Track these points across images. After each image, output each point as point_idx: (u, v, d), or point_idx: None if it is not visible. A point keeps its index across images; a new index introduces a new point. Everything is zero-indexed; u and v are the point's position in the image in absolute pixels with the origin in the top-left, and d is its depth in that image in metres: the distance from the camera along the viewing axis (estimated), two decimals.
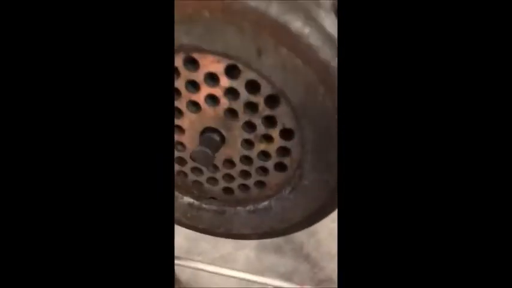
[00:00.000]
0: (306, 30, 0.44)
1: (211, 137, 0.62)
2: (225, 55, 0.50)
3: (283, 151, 0.62)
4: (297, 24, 0.44)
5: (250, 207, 0.72)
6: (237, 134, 0.62)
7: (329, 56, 0.46)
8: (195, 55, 0.53)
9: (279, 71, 0.49)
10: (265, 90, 0.55)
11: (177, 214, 0.77)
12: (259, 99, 0.56)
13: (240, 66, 0.52)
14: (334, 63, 0.46)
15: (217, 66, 0.54)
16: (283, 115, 0.57)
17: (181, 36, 0.48)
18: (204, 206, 0.76)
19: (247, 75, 0.53)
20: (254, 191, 0.71)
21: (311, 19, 0.45)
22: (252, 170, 0.67)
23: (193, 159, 0.62)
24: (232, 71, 0.54)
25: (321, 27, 0.45)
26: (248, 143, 0.64)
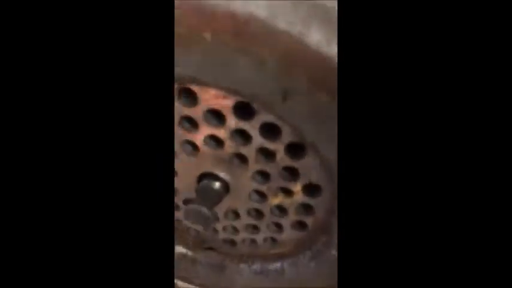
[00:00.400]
0: None
1: (210, 186, 0.48)
2: (234, 92, 0.36)
3: (305, 209, 0.48)
4: None
5: (256, 266, 0.58)
6: (245, 183, 0.48)
7: None
8: (193, 87, 0.38)
9: (312, 119, 0.34)
10: (287, 136, 0.40)
11: None
12: (278, 147, 0.42)
13: (256, 106, 0.37)
14: None
15: (223, 103, 0.39)
16: (310, 168, 0.42)
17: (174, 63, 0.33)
18: (199, 258, 0.62)
19: (264, 117, 0.39)
20: (262, 247, 0.57)
21: None
22: (262, 224, 0.53)
23: (187, 218, 0.47)
24: (243, 110, 0.39)
25: None
26: (259, 195, 0.49)
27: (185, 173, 0.50)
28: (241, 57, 0.30)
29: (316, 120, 0.34)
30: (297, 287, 0.54)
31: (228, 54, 0.31)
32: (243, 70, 0.32)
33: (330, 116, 0.32)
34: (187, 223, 0.58)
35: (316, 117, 0.34)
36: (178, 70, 0.34)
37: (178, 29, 0.29)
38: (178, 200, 0.55)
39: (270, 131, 0.41)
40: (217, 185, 0.49)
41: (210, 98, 0.39)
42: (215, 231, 0.58)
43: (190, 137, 0.45)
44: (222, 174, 0.48)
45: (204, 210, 0.45)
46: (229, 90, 0.36)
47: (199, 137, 0.45)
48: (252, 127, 0.41)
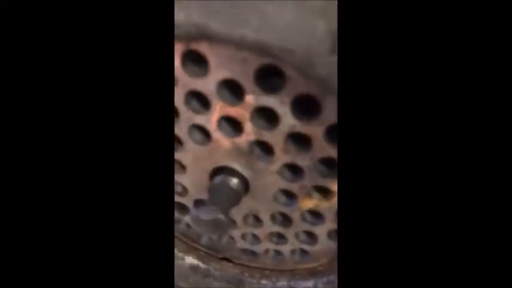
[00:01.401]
0: None
1: (225, 184, 0.39)
2: (258, 49, 0.25)
3: None
4: None
5: (282, 283, 0.48)
6: (270, 180, 0.38)
7: None
8: (203, 47, 0.28)
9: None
10: (330, 114, 0.30)
11: (175, 279, 0.54)
12: (315, 131, 0.32)
13: (288, 70, 0.27)
14: None
15: (243, 68, 0.29)
16: None
17: (177, 13, 0.23)
18: (213, 271, 0.52)
19: (300, 87, 0.28)
20: (290, 261, 0.47)
21: None
22: (289, 233, 0.44)
23: (196, 225, 0.37)
24: (269, 78, 0.29)
25: None
26: (287, 196, 0.39)
27: (195, 167, 0.41)
28: None
29: None
30: None
31: None
32: (272, 13, 0.21)
33: None
34: (197, 229, 0.49)
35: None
36: (180, 17, 0.24)
37: None
38: (187, 201, 0.46)
39: (306, 107, 0.30)
40: (234, 182, 0.39)
41: (224, 61, 0.29)
42: (232, 239, 0.49)
43: (200, 120, 0.35)
44: (240, 169, 0.39)
45: (218, 214, 0.35)
46: (251, 47, 0.26)
47: (211, 120, 0.35)
48: (280, 103, 0.30)
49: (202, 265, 0.53)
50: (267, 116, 0.33)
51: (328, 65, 0.26)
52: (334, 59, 0.25)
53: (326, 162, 0.35)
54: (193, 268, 0.53)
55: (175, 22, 0.26)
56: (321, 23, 0.24)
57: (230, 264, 0.53)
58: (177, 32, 0.28)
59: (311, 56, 0.26)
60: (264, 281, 0.50)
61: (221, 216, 0.36)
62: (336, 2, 0.24)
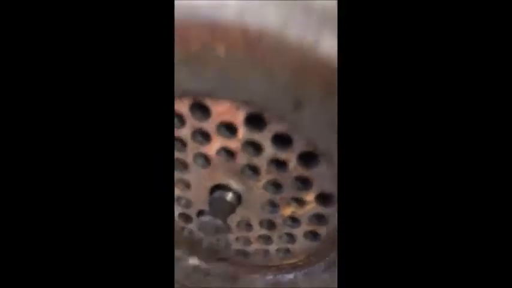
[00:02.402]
0: None
1: (222, 197, 0.48)
2: (246, 103, 0.36)
3: (318, 218, 0.48)
4: None
5: (269, 277, 0.58)
6: (257, 194, 0.48)
7: None
8: (206, 101, 0.39)
9: (324, 128, 0.35)
10: (299, 146, 0.41)
11: (179, 278, 0.63)
12: (289, 156, 0.42)
13: (267, 116, 0.38)
14: None
15: (236, 115, 0.39)
16: (322, 177, 0.43)
17: (187, 80, 0.34)
18: (212, 270, 0.61)
19: (276, 127, 0.39)
20: (275, 258, 0.57)
21: None
22: (274, 235, 0.53)
23: (201, 230, 0.47)
24: (255, 121, 0.40)
25: None
26: (271, 205, 0.49)
27: (198, 184, 0.50)
28: (254, 71, 0.31)
29: (329, 128, 0.35)
30: None
31: (241, 69, 0.31)
32: (256, 83, 0.32)
33: None
34: (199, 234, 0.59)
35: (329, 125, 0.34)
36: (192, 86, 0.35)
37: (192, 46, 0.30)
38: (191, 211, 0.56)
39: (281, 141, 0.41)
40: (229, 196, 0.49)
41: (223, 110, 0.39)
42: (228, 242, 0.58)
43: (203, 149, 0.46)
44: (234, 185, 0.48)
45: (218, 221, 0.45)
46: (242, 102, 0.36)
47: (211, 149, 0.45)
48: (263, 138, 0.41)
49: (203, 265, 0.61)
50: (254, 147, 0.44)
51: (293, 112, 0.36)
52: (299, 111, 0.35)
53: (300, 179, 0.45)
54: (196, 268, 0.62)
55: (188, 85, 0.36)
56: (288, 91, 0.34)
57: (226, 263, 0.61)
58: (186, 88, 0.38)
59: (281, 107, 0.36)
60: (254, 276, 0.58)
61: (220, 223, 0.46)
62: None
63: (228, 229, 0.47)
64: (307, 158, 0.42)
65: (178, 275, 0.63)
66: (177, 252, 0.62)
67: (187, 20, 0.29)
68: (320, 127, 0.35)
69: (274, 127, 0.39)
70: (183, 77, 0.34)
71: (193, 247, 0.61)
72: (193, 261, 0.62)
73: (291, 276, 0.55)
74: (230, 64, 0.31)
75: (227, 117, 0.40)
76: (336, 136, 0.35)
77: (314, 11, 0.29)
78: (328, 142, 0.37)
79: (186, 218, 0.57)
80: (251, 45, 0.29)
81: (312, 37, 0.28)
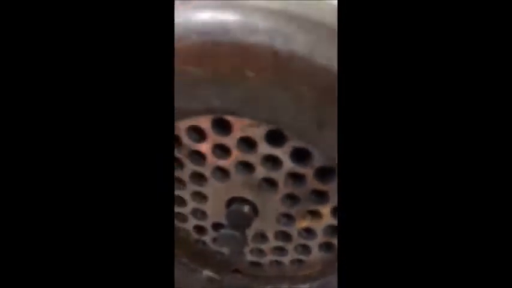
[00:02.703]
0: None
1: (240, 210, 0.50)
2: (268, 121, 0.38)
3: (333, 230, 0.49)
4: None
5: (284, 287, 0.59)
6: (273, 206, 0.49)
7: None
8: (228, 118, 0.41)
9: None
10: (318, 161, 0.42)
11: None
12: (307, 171, 0.44)
13: (288, 133, 0.39)
14: None
15: (256, 131, 0.41)
16: None
17: (212, 98, 0.36)
18: (226, 281, 0.62)
19: (296, 143, 0.41)
20: (290, 269, 0.58)
21: None
22: (289, 246, 0.54)
23: (220, 243, 0.48)
24: (274, 137, 0.41)
25: None
26: (287, 218, 0.51)
27: (215, 197, 0.51)
28: (281, 93, 0.33)
29: None
30: None
31: (268, 90, 0.33)
32: (282, 104, 0.34)
33: None
34: (214, 246, 0.60)
35: None
36: (217, 104, 0.36)
37: (221, 68, 0.31)
38: (206, 223, 0.57)
39: (300, 155, 0.42)
40: (246, 208, 0.50)
41: (244, 127, 0.41)
42: (242, 253, 0.59)
43: (221, 163, 0.47)
44: (251, 198, 0.49)
45: (237, 234, 0.46)
46: (265, 120, 0.38)
47: (230, 164, 0.46)
48: (282, 152, 0.42)
49: (216, 277, 0.63)
50: (272, 161, 0.45)
51: (316, 131, 0.38)
52: (322, 130, 0.37)
53: (316, 193, 0.47)
54: (210, 280, 0.63)
55: (213, 103, 0.37)
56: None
57: (240, 275, 0.63)
58: (212, 106, 0.40)
59: (304, 126, 0.38)
60: (268, 287, 0.60)
61: (240, 236, 0.47)
62: None
63: (246, 242, 0.49)
64: (324, 172, 0.43)
65: (194, 287, 0.63)
66: (192, 264, 0.62)
67: (218, 42, 0.30)
68: None
69: (293, 143, 0.41)
70: (208, 94, 0.36)
71: (207, 259, 0.62)
72: (208, 272, 0.63)
73: (305, 286, 0.56)
74: (258, 85, 0.32)
75: (248, 133, 0.42)
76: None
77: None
78: None
79: (202, 230, 0.58)
80: (280, 67, 0.30)
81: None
